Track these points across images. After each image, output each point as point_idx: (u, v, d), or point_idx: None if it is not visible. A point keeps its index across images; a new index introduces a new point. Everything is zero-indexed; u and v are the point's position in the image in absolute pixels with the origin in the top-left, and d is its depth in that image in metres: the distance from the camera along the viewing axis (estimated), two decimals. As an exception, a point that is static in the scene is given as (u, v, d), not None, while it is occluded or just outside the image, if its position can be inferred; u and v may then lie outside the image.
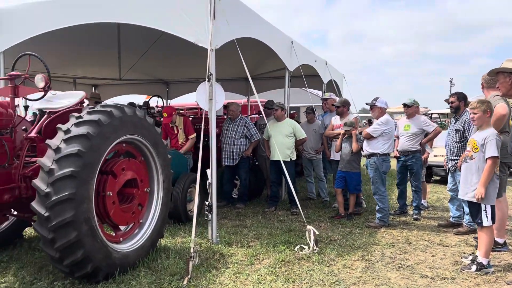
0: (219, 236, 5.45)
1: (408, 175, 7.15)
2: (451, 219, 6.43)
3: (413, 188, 7.03)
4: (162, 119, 7.95)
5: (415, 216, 6.92)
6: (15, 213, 4.62)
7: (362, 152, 6.79)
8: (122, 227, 4.53)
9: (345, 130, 6.79)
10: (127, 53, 9.17)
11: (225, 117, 8.48)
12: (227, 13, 5.20)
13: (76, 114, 4.00)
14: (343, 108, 7.33)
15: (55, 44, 8.04)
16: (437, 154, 9.76)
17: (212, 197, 5.23)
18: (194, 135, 7.29)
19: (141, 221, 4.66)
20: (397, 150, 7.10)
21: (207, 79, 5.16)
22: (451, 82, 47.31)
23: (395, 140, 6.99)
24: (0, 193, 4.03)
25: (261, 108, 6.02)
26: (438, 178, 10.84)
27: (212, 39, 5.03)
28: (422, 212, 7.14)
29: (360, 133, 6.73)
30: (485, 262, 4.49)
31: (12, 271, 4.41)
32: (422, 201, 7.81)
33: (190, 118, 8.01)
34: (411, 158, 6.91)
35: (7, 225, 5.11)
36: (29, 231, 5.73)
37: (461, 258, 4.92)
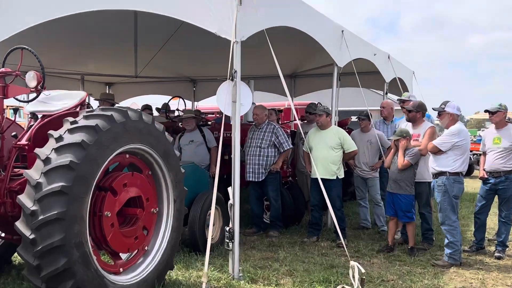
0: (242, 271, 5.49)
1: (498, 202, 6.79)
2: (544, 260, 6.15)
3: (502, 219, 6.73)
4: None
5: (497, 254, 6.66)
6: (2, 234, 4.85)
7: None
8: (123, 255, 4.67)
9: (393, 140, 6.65)
10: (144, 46, 9.45)
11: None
12: (256, -3, 5.28)
13: (71, 119, 4.17)
14: (415, 113, 6.98)
15: (60, 36, 8.46)
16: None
17: (234, 221, 5.27)
18: None
19: (146, 248, 4.78)
20: (485, 170, 6.77)
21: (229, 77, 5.24)
22: (560, 81, 45.12)
23: (480, 155, 6.71)
24: (-19, 211, 4.26)
25: (295, 112, 6.01)
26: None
27: (237, 30, 5.12)
28: (507, 249, 6.86)
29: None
30: None
31: (-5, 302, 4.64)
32: None
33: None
34: (503, 181, 6.55)
35: (-7, 248, 5.39)
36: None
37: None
